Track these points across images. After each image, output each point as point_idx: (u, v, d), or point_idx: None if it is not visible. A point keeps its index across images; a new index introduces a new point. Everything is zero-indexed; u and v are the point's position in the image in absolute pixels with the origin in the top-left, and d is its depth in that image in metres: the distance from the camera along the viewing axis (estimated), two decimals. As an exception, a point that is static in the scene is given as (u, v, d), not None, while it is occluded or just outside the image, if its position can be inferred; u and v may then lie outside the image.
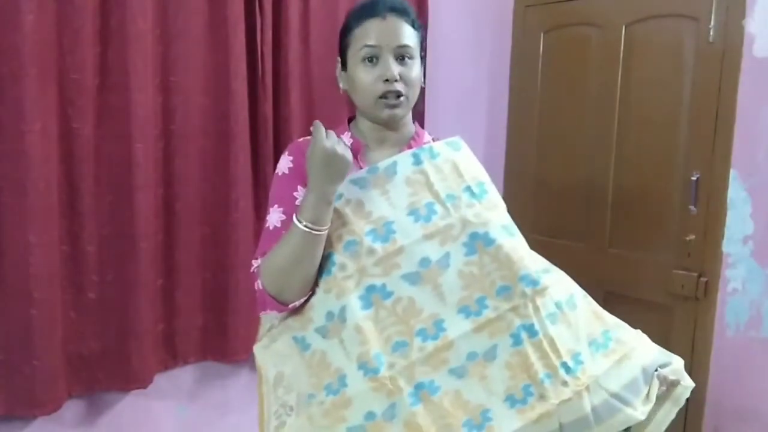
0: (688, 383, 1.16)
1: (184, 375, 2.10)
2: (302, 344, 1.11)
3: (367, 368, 1.04)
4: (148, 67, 1.80)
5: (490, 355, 1.06)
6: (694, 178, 2.20)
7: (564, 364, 1.06)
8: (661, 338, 2.35)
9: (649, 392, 1.10)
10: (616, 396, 1.06)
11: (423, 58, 1.20)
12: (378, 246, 1.10)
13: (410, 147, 1.23)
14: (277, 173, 1.19)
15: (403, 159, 1.17)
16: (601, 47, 2.46)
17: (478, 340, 1.07)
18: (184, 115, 1.92)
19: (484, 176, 1.23)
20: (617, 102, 2.42)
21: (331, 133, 1.08)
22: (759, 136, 2.08)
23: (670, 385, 1.13)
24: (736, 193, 2.13)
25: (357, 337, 1.05)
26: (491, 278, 1.10)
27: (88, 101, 1.73)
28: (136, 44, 1.76)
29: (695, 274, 2.22)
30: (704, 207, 2.20)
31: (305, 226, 1.04)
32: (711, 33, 2.14)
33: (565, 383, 1.04)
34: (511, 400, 1.04)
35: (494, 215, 1.17)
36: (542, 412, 1.02)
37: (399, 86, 1.13)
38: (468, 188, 1.17)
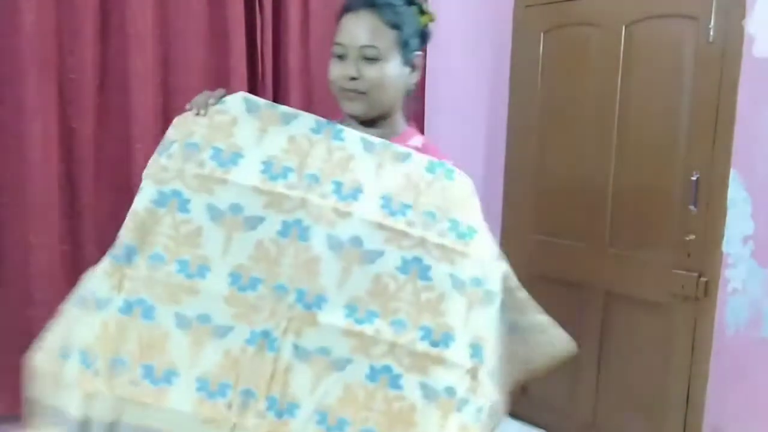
0: None
1: (184, 375, 2.09)
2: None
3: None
4: (148, 67, 1.81)
5: None
6: (694, 178, 2.20)
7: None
8: (661, 338, 2.37)
9: None
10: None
11: (405, 56, 1.21)
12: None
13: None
14: None
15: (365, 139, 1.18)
16: (601, 47, 2.46)
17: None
18: (184, 115, 1.93)
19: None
20: (617, 102, 2.42)
21: None
22: (759, 136, 2.08)
23: None
24: (736, 193, 2.13)
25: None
26: None
27: (88, 101, 1.73)
28: (136, 44, 1.77)
29: (695, 274, 2.22)
30: (704, 207, 2.20)
31: None
32: (711, 33, 2.14)
33: None
34: None
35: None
36: None
37: (356, 84, 1.18)
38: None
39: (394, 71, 1.19)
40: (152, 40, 1.83)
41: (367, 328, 1.08)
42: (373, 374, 1.08)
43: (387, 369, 1.08)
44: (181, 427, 1.08)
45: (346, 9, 1.19)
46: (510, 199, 2.82)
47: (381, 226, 1.10)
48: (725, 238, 2.16)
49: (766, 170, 2.07)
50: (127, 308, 1.12)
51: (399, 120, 1.29)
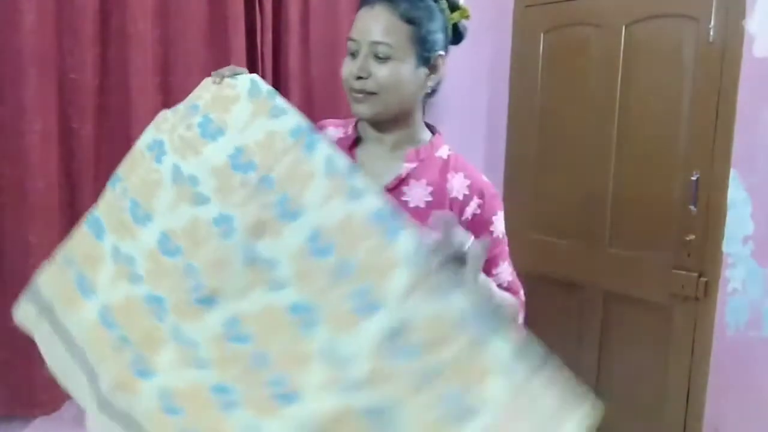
0: None
1: (184, 375, 2.09)
2: None
3: None
4: (148, 67, 1.81)
5: None
6: (694, 178, 2.20)
7: None
8: (661, 338, 2.37)
9: None
10: None
11: (422, 55, 1.12)
12: None
13: (417, 153, 1.17)
14: None
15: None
16: (601, 47, 2.46)
17: None
18: (184, 115, 1.93)
19: None
20: (617, 102, 2.42)
21: None
22: (759, 136, 2.08)
23: None
24: (736, 193, 2.13)
25: None
26: None
27: (88, 101, 1.73)
28: (136, 45, 1.77)
29: (695, 274, 2.22)
30: (704, 207, 2.20)
31: None
32: (711, 33, 2.14)
33: None
34: None
35: None
36: None
37: (363, 84, 1.09)
38: None
39: (407, 71, 1.10)
40: (152, 40, 1.83)
41: (234, 348, 1.04)
42: (218, 390, 1.03)
43: (231, 392, 1.02)
44: (80, 338, 1.14)
45: (363, 2, 1.11)
46: (510, 198, 2.82)
47: (299, 260, 1.03)
48: (725, 238, 2.16)
49: (766, 170, 2.07)
50: (92, 223, 1.20)
51: (419, 126, 1.21)
